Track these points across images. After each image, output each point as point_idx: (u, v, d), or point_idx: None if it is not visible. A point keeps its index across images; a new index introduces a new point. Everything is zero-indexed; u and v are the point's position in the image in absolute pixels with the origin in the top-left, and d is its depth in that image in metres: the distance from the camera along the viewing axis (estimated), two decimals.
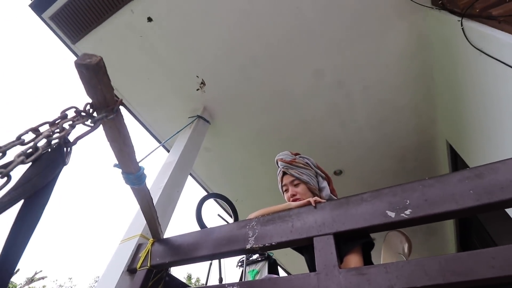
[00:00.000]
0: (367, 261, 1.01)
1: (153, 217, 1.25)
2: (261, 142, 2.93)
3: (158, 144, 3.08)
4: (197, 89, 2.56)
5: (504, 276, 0.66)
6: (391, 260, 0.92)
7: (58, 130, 0.55)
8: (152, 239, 1.42)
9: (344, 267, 0.94)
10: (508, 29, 1.29)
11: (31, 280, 15.49)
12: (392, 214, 0.91)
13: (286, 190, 1.29)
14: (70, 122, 0.59)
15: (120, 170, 0.97)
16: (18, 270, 15.50)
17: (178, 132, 2.22)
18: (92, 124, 0.67)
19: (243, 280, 2.25)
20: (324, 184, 1.28)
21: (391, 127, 2.70)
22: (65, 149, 0.58)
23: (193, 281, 15.33)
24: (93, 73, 0.65)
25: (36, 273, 15.90)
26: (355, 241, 0.98)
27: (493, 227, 2.44)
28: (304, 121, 2.71)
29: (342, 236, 0.96)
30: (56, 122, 0.59)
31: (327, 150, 2.93)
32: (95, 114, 0.72)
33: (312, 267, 1.16)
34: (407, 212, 0.89)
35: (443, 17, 1.80)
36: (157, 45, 2.30)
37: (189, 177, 3.38)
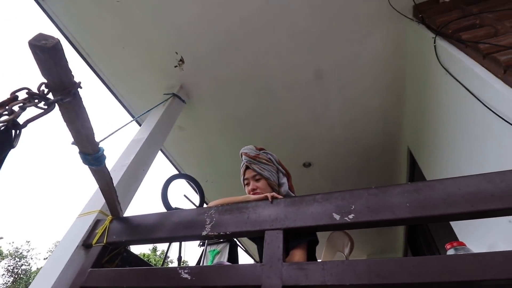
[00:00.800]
0: (311, 256, 1.10)
1: (112, 197, 1.25)
2: (235, 128, 2.94)
3: (131, 118, 2.99)
4: (175, 66, 2.48)
5: (420, 283, 0.76)
6: (331, 258, 1.01)
7: (6, 112, 0.53)
8: (111, 216, 1.42)
9: (288, 260, 1.03)
10: (472, 55, 1.39)
11: None
12: (337, 217, 0.99)
13: (247, 184, 1.34)
14: (21, 105, 0.57)
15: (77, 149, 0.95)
16: None
17: (151, 109, 2.15)
18: (46, 107, 0.65)
19: (202, 259, 2.34)
20: (284, 180, 1.34)
21: (360, 127, 2.83)
22: (13, 131, 0.56)
23: (158, 253, 15.52)
24: (49, 55, 0.62)
25: None
26: (302, 238, 1.06)
27: (436, 230, 2.72)
28: (279, 111, 2.74)
29: (291, 232, 1.04)
30: (5, 104, 0.56)
31: (299, 142, 3.02)
32: (50, 95, 0.69)
33: (261, 257, 1.25)
34: (350, 216, 0.98)
35: (420, 30, 1.87)
36: (136, 14, 2.16)
37: (161, 154, 3.34)
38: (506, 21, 1.43)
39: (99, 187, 1.17)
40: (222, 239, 1.14)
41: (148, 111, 2.15)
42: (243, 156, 1.40)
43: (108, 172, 1.10)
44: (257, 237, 1.32)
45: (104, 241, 1.32)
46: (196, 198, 3.05)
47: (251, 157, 1.35)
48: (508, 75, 1.16)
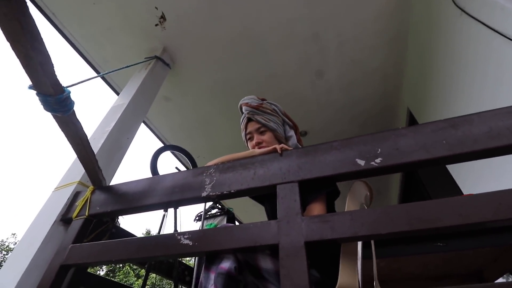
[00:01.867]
0: (331, 211, 0.97)
1: (90, 160, 1.05)
2: (227, 95, 2.72)
3: (111, 92, 2.70)
4: (156, 25, 2.19)
5: (470, 224, 0.64)
6: (355, 209, 0.87)
7: None
8: (92, 186, 1.23)
9: (306, 215, 0.89)
10: None
11: None
12: (362, 162, 0.85)
13: (251, 138, 1.17)
14: None
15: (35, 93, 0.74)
16: None
17: (128, 66, 1.89)
18: None
19: None
20: (291, 133, 1.18)
21: (359, 90, 2.68)
22: None
23: (153, 234, 15.38)
24: None
25: None
26: (320, 190, 0.92)
27: (433, 188, 2.69)
28: (274, 75, 2.54)
29: (307, 184, 0.89)
30: None
31: (295, 110, 2.84)
32: None
33: (272, 217, 1.10)
34: (378, 160, 0.84)
35: None
36: None
37: (146, 129, 3.10)
38: None
39: (72, 146, 0.97)
40: (226, 199, 0.98)
41: (123, 68, 1.87)
42: (243, 107, 1.21)
43: (81, 124, 0.90)
44: (266, 197, 1.17)
45: (86, 214, 1.14)
46: None
47: (253, 107, 1.17)
48: None
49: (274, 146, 1.00)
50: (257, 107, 1.17)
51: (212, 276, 0.80)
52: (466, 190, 1.79)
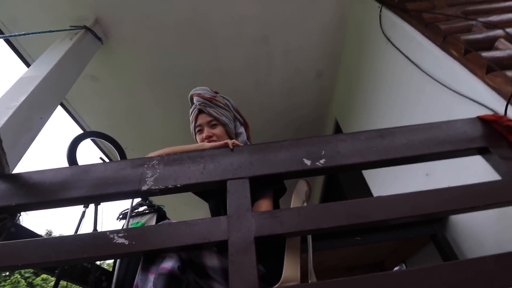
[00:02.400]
0: (276, 207, 1.01)
1: None
2: (167, 84, 2.54)
3: (22, 65, 2.18)
4: None
5: (393, 218, 0.76)
6: (299, 205, 0.94)
7: None
8: None
9: (254, 211, 0.90)
10: (415, 24, 1.49)
11: None
12: (308, 162, 0.91)
13: (200, 131, 1.12)
14: None
15: None
16: None
17: (48, 31, 1.56)
18: None
19: None
20: (241, 129, 1.19)
21: (298, 97, 2.88)
22: None
23: (56, 235, 12.94)
24: None
25: None
26: (269, 186, 0.95)
27: (348, 188, 3.10)
28: (220, 70, 2.50)
29: (257, 181, 0.91)
30: None
31: (239, 107, 2.87)
32: None
33: (217, 214, 1.08)
34: (322, 161, 0.91)
35: (367, 0, 1.94)
36: None
37: (61, 111, 2.62)
38: None
39: None
40: (170, 193, 0.91)
41: (36, 33, 1.52)
42: (195, 97, 1.15)
43: None
44: (210, 193, 1.14)
45: None
46: None
47: (206, 98, 1.13)
48: (447, 42, 1.29)
49: (225, 141, 0.98)
50: (210, 99, 1.13)
51: (152, 277, 0.73)
52: (375, 192, 2.13)
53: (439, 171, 1.43)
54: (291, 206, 0.91)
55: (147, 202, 2.17)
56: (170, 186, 0.90)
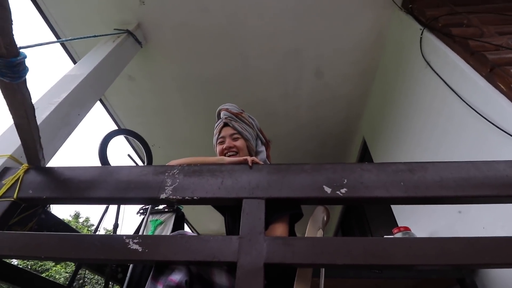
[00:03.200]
0: (291, 232, 0.98)
1: (32, 136, 0.90)
2: (197, 89, 2.61)
3: (67, 58, 2.37)
4: None
5: (415, 265, 0.70)
6: (314, 234, 0.90)
7: None
8: (26, 164, 1.05)
9: (268, 234, 0.88)
10: (459, 50, 1.40)
11: None
12: (328, 190, 0.88)
13: (222, 142, 1.14)
14: None
15: None
16: None
17: (94, 36, 1.68)
18: None
19: (142, 229, 2.05)
20: (262, 148, 1.19)
21: (325, 111, 2.82)
22: None
23: (80, 220, 13.81)
24: None
25: None
26: (285, 210, 0.93)
27: (371, 213, 2.96)
28: (249, 80, 2.52)
29: (274, 203, 0.89)
30: None
31: (263, 117, 2.84)
32: None
33: (231, 230, 1.08)
34: (343, 190, 0.87)
35: (407, 20, 1.86)
36: None
37: (99, 105, 2.79)
38: (490, 26, 1.48)
39: (13, 117, 0.81)
40: (186, 204, 0.93)
41: (88, 37, 1.64)
42: (222, 112, 1.18)
43: (30, 96, 0.76)
44: (227, 207, 1.14)
45: (15, 196, 0.96)
46: (141, 163, 2.67)
47: (233, 113, 1.15)
48: (494, 73, 1.19)
49: (245, 158, 0.98)
50: (236, 114, 1.15)
51: (159, 287, 0.74)
52: (400, 222, 2.00)
53: (473, 211, 1.31)
54: (306, 234, 0.88)
55: None
56: (187, 197, 0.91)
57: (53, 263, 9.48)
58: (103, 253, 0.79)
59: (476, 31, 1.46)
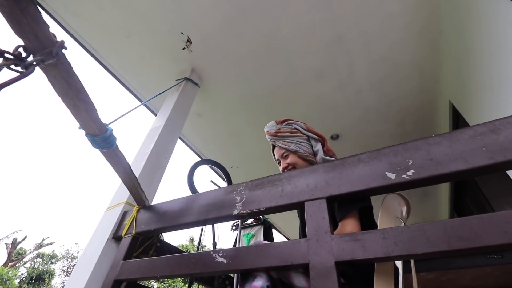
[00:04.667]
0: (369, 226, 0.94)
1: (133, 184, 1.16)
2: (254, 106, 2.78)
3: (149, 113, 2.93)
4: (183, 48, 2.34)
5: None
6: (389, 225, 0.84)
7: None
8: (137, 206, 1.35)
9: (338, 232, 0.87)
10: None
11: (39, 246, 16.24)
12: (392, 176, 0.82)
13: (279, 163, 1.23)
14: None
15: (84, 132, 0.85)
16: (26, 237, 16.15)
17: (161, 92, 2.05)
18: (24, 70, 0.53)
19: (237, 243, 2.26)
20: (318, 146, 1.18)
21: (391, 86, 2.54)
22: None
23: (195, 243, 16.10)
24: (12, 1, 0.49)
25: (43, 240, 16.59)
26: (350, 205, 0.90)
27: (490, 189, 2.42)
28: (299, 82, 2.53)
29: (336, 200, 0.88)
30: None
31: (324, 113, 2.80)
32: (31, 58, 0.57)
33: (303, 232, 1.11)
34: (409, 173, 0.80)
35: None
36: None
37: (183, 144, 3.29)
38: None
39: (118, 174, 1.08)
40: (256, 216, 1.02)
41: (158, 94, 2.03)
42: (266, 136, 1.27)
43: (123, 156, 1.00)
44: (299, 211, 1.18)
45: (134, 232, 1.25)
46: (223, 184, 2.97)
47: (272, 134, 1.22)
48: None
49: None
50: (275, 134, 1.21)
51: None
52: None
53: None
54: (379, 227, 0.83)
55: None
56: (254, 209, 1.00)
57: (182, 283, 11.14)
58: (198, 267, 0.94)
59: None
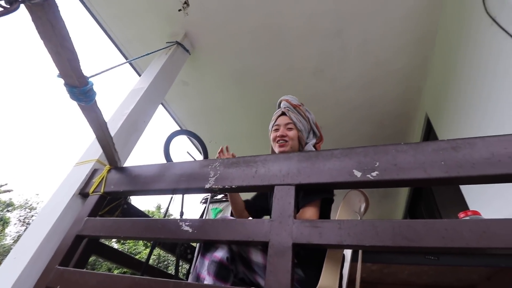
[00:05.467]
0: (325, 216, 1.01)
1: (108, 143, 1.14)
2: (244, 84, 2.75)
3: (131, 69, 2.80)
4: (179, 10, 2.22)
5: (452, 247, 0.66)
6: (347, 218, 0.92)
7: None
8: (108, 165, 1.34)
9: (299, 217, 0.94)
10: None
11: None
12: (358, 174, 0.88)
13: (276, 130, 1.24)
14: None
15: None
16: None
17: (150, 53, 1.96)
18: (7, 6, 0.50)
19: (204, 216, 2.33)
20: (312, 141, 1.24)
21: (379, 90, 2.62)
22: None
23: (162, 210, 16.15)
24: None
25: (0, 186, 15.76)
26: (315, 195, 0.96)
27: (442, 198, 2.65)
28: (293, 68, 2.52)
29: (304, 189, 0.94)
30: None
31: (311, 105, 2.79)
32: None
33: (262, 209, 1.18)
34: (374, 174, 0.86)
35: None
36: None
37: (163, 110, 3.20)
38: None
39: (93, 130, 1.05)
40: (226, 192, 1.05)
41: (146, 55, 1.94)
42: (283, 102, 1.29)
43: (101, 113, 0.98)
44: (268, 194, 1.23)
45: (102, 191, 1.25)
46: (199, 157, 2.97)
47: (292, 105, 1.25)
48: None
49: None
50: (295, 106, 1.24)
51: (206, 262, 0.88)
52: (471, 205, 1.76)
53: None
54: (337, 217, 0.90)
55: None
56: (227, 186, 1.03)
57: (144, 247, 11.30)
58: (163, 233, 0.98)
59: None
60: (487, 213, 1.44)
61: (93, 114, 0.94)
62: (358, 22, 2.12)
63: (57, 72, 0.83)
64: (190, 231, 0.94)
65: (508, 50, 1.29)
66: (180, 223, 0.97)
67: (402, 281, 1.65)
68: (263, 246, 0.93)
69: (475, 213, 1.46)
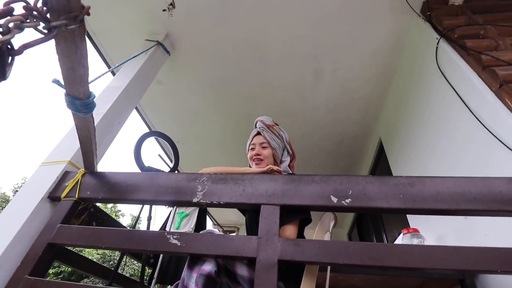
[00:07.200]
0: (300, 235, 1.14)
1: (91, 149, 1.11)
2: (220, 92, 2.79)
3: (101, 61, 2.63)
4: (164, 10, 2.18)
5: (407, 268, 0.83)
6: (322, 237, 1.05)
7: (1, 30, 0.39)
8: (83, 169, 1.28)
9: (280, 234, 1.04)
10: (472, 63, 1.45)
11: None
12: (334, 200, 1.02)
13: (253, 149, 1.32)
14: (18, 23, 0.42)
15: (63, 90, 0.80)
16: None
17: (134, 57, 1.90)
18: (46, 31, 0.50)
19: (170, 220, 2.30)
20: (287, 158, 1.34)
21: (342, 113, 2.90)
22: (9, 58, 0.42)
23: (109, 205, 14.89)
24: None
25: None
26: (296, 214, 1.08)
27: (385, 215, 3.03)
28: (269, 83, 2.65)
29: (287, 209, 1.05)
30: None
31: (281, 119, 2.94)
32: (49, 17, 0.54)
33: (251, 229, 1.25)
34: (348, 200, 1.01)
35: (425, 28, 1.89)
36: None
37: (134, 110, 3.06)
38: (507, 38, 1.50)
39: (79, 137, 1.02)
40: (214, 207, 1.11)
41: (130, 59, 1.88)
42: (258, 122, 1.38)
43: (93, 120, 0.96)
44: (248, 210, 1.31)
45: (76, 196, 1.19)
46: (169, 161, 2.92)
47: (266, 125, 1.33)
48: (503, 90, 1.24)
49: (268, 167, 1.15)
50: (269, 126, 1.33)
51: (195, 275, 0.93)
52: (412, 223, 2.09)
53: (477, 219, 1.39)
54: (314, 237, 1.03)
55: None
56: (215, 202, 1.09)
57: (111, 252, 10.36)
58: (150, 245, 0.99)
59: (492, 43, 1.49)
60: (424, 230, 1.74)
61: (86, 123, 0.93)
62: (333, 52, 2.34)
63: (53, 77, 0.81)
64: (179, 244, 0.98)
65: (450, 100, 1.59)
66: (168, 236, 1.00)
67: (352, 286, 1.87)
68: (249, 261, 1.01)
69: (415, 230, 1.75)
